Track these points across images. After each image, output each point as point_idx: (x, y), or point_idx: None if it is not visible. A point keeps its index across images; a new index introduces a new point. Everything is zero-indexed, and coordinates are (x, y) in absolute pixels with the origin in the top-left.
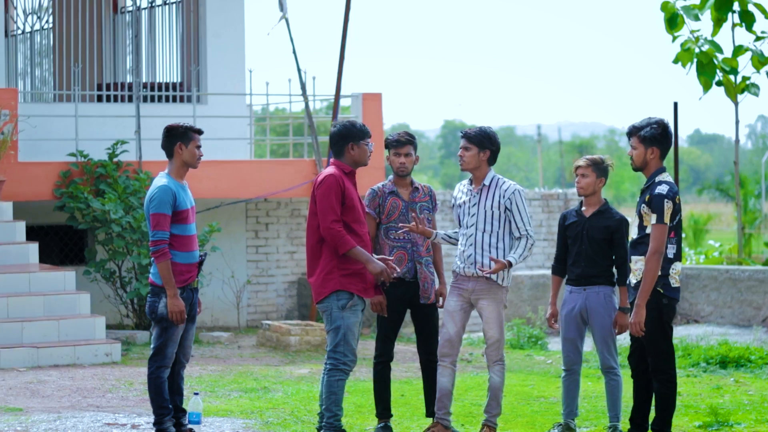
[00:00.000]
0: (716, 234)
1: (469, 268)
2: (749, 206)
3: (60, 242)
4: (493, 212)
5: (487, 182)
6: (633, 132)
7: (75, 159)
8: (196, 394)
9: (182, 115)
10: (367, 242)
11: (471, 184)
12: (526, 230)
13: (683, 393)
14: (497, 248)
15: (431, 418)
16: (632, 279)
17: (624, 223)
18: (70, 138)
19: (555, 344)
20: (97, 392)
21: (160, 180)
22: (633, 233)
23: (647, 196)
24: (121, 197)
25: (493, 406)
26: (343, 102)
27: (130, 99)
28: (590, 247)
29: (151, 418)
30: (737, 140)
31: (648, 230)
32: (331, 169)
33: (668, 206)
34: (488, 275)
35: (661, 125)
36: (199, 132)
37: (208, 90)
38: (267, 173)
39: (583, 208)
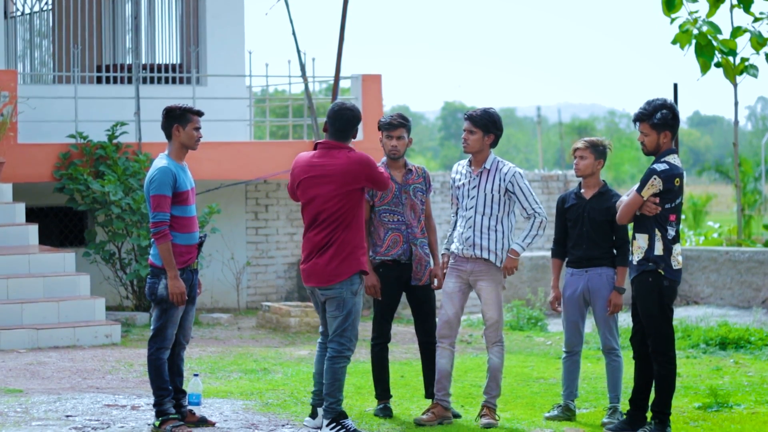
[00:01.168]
0: (716, 215)
1: (468, 250)
2: (749, 188)
3: (60, 224)
4: (493, 195)
5: (488, 165)
6: (643, 119)
7: (74, 140)
8: (196, 375)
9: (182, 96)
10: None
11: (470, 166)
12: (533, 209)
13: (683, 374)
14: (496, 231)
15: (431, 399)
16: (634, 257)
17: None
18: (69, 119)
19: (554, 326)
20: (97, 374)
21: (160, 161)
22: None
23: (649, 173)
24: (120, 179)
25: (493, 387)
26: (343, 83)
27: (130, 81)
28: (591, 229)
29: (151, 400)
30: (736, 122)
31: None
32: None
33: (653, 182)
34: (507, 274)
35: (670, 108)
36: (199, 113)
37: (207, 71)
38: (267, 155)
39: (582, 190)
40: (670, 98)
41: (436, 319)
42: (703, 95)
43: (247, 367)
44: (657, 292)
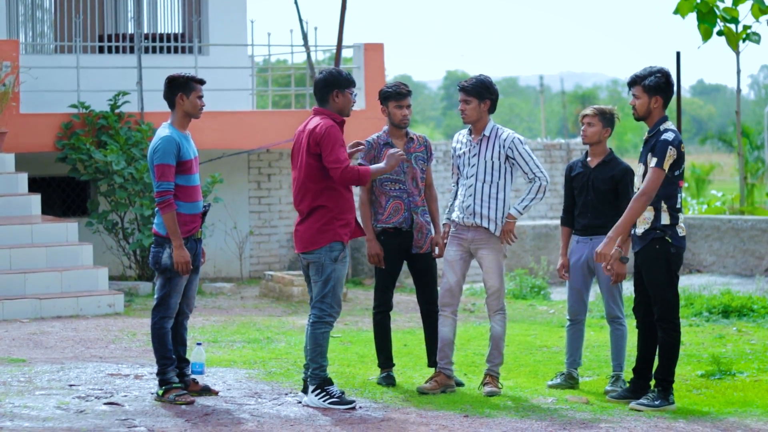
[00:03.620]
0: (719, 184)
1: (468, 218)
2: (752, 156)
3: (62, 194)
4: (493, 163)
5: (487, 133)
6: (636, 81)
7: (77, 110)
8: (199, 344)
9: (184, 66)
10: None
11: (470, 134)
12: (534, 173)
13: (686, 342)
14: (497, 199)
15: (433, 368)
16: (639, 229)
17: (629, 173)
18: (71, 89)
19: (557, 294)
20: (100, 343)
21: (164, 131)
22: (638, 183)
23: (654, 144)
24: (123, 148)
25: (495, 355)
26: (345, 53)
27: (132, 50)
28: (596, 198)
29: (155, 369)
30: (738, 90)
31: None
32: (323, 120)
33: (671, 153)
34: (509, 241)
35: (664, 74)
36: (201, 82)
37: (209, 41)
38: (269, 124)
39: (589, 159)
40: (672, 67)
41: (438, 288)
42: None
43: (250, 336)
44: (665, 259)
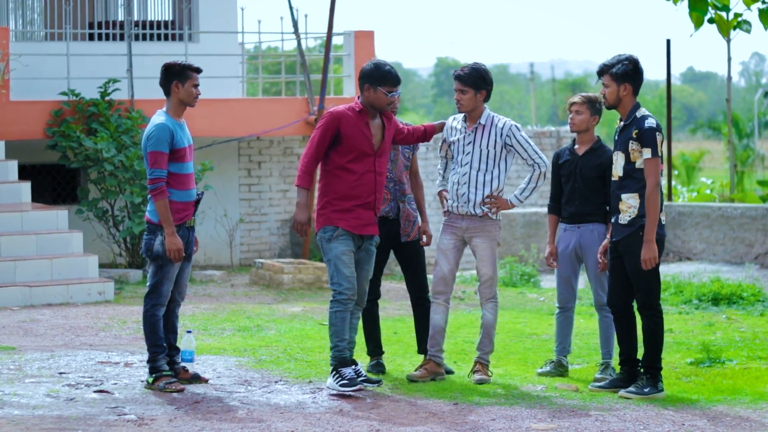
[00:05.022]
0: (709, 172)
1: (463, 206)
2: (742, 144)
3: (52, 181)
4: (488, 151)
5: (483, 121)
6: (604, 70)
7: (67, 98)
8: (189, 332)
9: (174, 53)
10: (367, 181)
11: (465, 121)
12: (534, 160)
13: (675, 330)
14: (491, 187)
15: (423, 355)
16: (623, 218)
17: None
18: (61, 77)
19: (547, 282)
20: (90, 331)
21: (158, 118)
22: (618, 172)
23: (635, 131)
24: (113, 136)
25: (486, 343)
26: (336, 40)
27: (122, 37)
28: (584, 185)
29: (145, 356)
30: (729, 78)
31: (638, 165)
32: (339, 106)
33: (659, 139)
34: (493, 215)
35: (632, 61)
36: (197, 70)
37: (200, 28)
38: (259, 111)
39: (576, 146)
40: (662, 55)
41: (431, 276)
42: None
43: (240, 323)
44: (639, 246)
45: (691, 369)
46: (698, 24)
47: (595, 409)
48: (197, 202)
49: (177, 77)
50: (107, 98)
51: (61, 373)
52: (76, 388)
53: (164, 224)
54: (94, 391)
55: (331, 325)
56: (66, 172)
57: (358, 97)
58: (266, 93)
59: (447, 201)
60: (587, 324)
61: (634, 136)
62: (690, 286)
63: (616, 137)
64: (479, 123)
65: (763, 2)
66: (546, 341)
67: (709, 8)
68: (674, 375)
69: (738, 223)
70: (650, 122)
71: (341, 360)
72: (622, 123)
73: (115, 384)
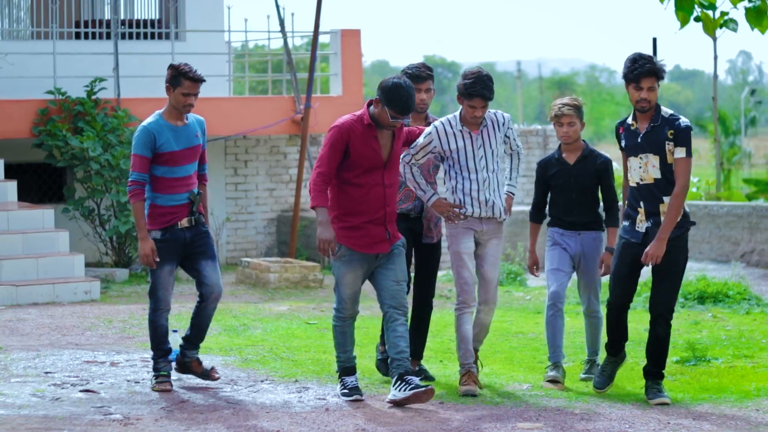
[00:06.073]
0: (695, 170)
1: (487, 211)
2: (728, 142)
3: (38, 180)
4: (495, 150)
5: (486, 121)
6: (653, 71)
7: (53, 96)
8: (175, 331)
9: (160, 52)
10: (375, 195)
11: (462, 125)
12: (518, 145)
13: None
14: (501, 184)
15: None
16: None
17: (609, 164)
18: (48, 75)
19: (533, 281)
20: (76, 330)
21: (147, 119)
22: (634, 178)
23: (669, 131)
24: (99, 135)
25: (470, 350)
26: (322, 38)
27: (108, 36)
28: (582, 195)
29: (130, 356)
30: (715, 76)
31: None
32: (346, 117)
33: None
34: (506, 214)
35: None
36: (194, 79)
37: (186, 27)
38: (246, 110)
39: (564, 155)
40: (649, 53)
41: (457, 285)
42: (684, 49)
43: (226, 323)
44: (686, 248)
45: (676, 367)
46: (684, 22)
47: (581, 408)
48: (192, 202)
49: (171, 81)
50: (93, 97)
51: (47, 373)
52: (62, 388)
53: (137, 228)
54: (80, 391)
55: (333, 337)
56: (52, 171)
57: (368, 105)
58: (253, 91)
59: (463, 209)
60: (574, 322)
61: (670, 136)
62: None
63: (639, 140)
64: (485, 125)
65: (750, 1)
66: (532, 340)
67: (696, 6)
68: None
69: (724, 222)
70: (685, 121)
71: (344, 369)
72: (652, 124)
73: (101, 383)
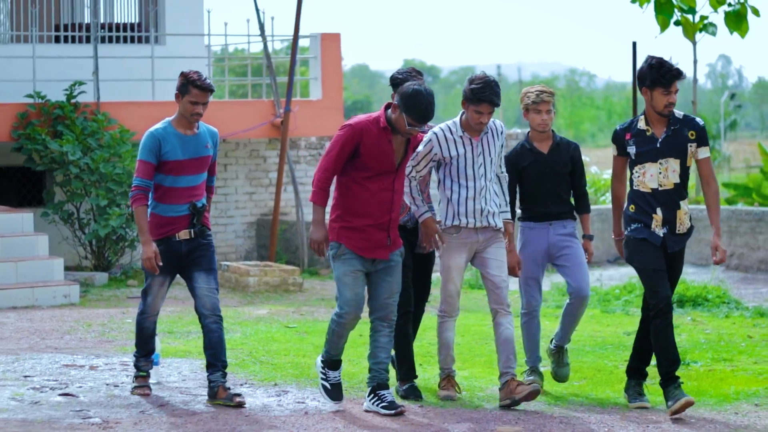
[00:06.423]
0: None
1: (483, 221)
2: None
3: (18, 184)
4: (494, 158)
5: (487, 128)
6: (680, 75)
7: (32, 100)
8: (156, 335)
9: (140, 56)
10: (382, 200)
11: (463, 131)
12: (502, 172)
13: None
14: (497, 194)
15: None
16: (681, 227)
17: (579, 150)
18: (27, 79)
19: (513, 284)
20: (55, 334)
21: (155, 125)
22: (674, 179)
23: (690, 132)
24: (78, 138)
25: (512, 359)
26: (302, 42)
27: (88, 40)
28: (557, 184)
29: (109, 359)
30: (695, 80)
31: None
32: (361, 117)
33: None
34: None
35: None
36: (202, 88)
37: (166, 30)
38: (226, 114)
39: (536, 144)
40: (629, 57)
41: (442, 295)
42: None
43: None
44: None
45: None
46: (664, 27)
47: (560, 412)
48: (193, 215)
49: (180, 88)
50: (73, 101)
51: (25, 377)
52: (41, 392)
53: (139, 233)
54: (59, 395)
55: (327, 334)
56: (32, 175)
57: (386, 107)
58: (232, 95)
59: (459, 221)
60: (553, 326)
61: (692, 137)
62: None
63: (659, 145)
64: (485, 132)
65: (729, 5)
66: None
67: (675, 11)
68: None
69: (703, 226)
70: (700, 120)
71: (331, 362)
72: (670, 128)
73: (80, 387)
